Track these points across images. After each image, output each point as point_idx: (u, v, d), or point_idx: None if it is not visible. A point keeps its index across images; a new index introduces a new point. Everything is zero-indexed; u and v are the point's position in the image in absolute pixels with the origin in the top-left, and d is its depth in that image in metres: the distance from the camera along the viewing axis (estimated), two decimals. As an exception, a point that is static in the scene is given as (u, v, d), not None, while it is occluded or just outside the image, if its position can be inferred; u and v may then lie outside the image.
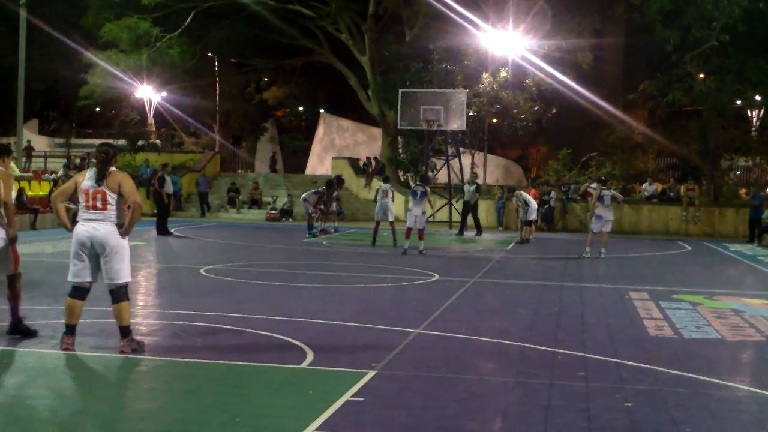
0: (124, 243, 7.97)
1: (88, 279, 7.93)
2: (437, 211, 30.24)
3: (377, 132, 41.03)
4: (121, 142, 37.83)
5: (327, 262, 17.67)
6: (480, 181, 36.13)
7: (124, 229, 7.91)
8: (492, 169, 41.69)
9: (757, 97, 32.08)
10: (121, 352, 7.86)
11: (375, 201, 23.32)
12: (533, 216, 23.64)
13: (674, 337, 9.63)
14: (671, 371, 7.79)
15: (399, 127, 31.21)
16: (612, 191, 20.12)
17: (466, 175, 29.44)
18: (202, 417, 6.07)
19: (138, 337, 8.27)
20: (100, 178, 7.84)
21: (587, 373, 7.64)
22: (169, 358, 7.92)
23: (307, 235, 23.43)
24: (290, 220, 32.10)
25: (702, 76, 31.02)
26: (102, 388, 7.06)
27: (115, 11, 34.30)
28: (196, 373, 7.39)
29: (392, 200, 21.40)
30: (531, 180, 37.46)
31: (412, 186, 19.59)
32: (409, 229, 19.20)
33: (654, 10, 28.94)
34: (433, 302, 11.68)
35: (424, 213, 19.36)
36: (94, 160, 8.32)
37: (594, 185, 30.18)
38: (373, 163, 36.90)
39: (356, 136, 48.83)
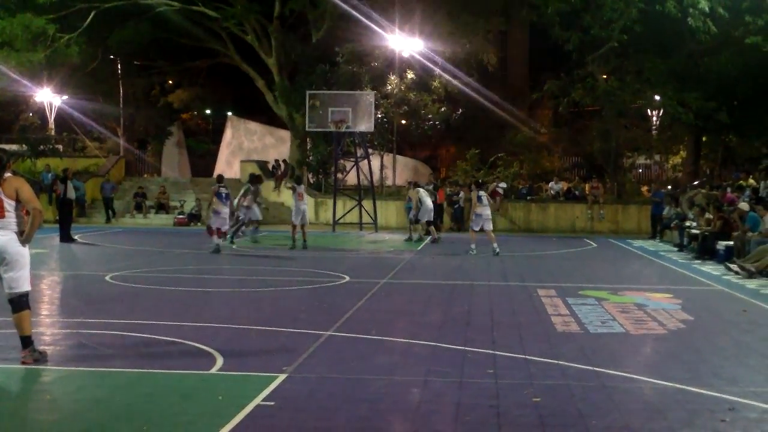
0: (24, 251, 7.76)
1: (-14, 289, 7.69)
2: (348, 212, 30.24)
3: (286, 134, 40.73)
4: (22, 147, 36.66)
5: (237, 266, 17.50)
6: (389, 182, 36.35)
7: (24, 237, 7.70)
8: (401, 170, 41.87)
9: (657, 97, 32.99)
10: (23, 362, 7.63)
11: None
12: (425, 217, 23.55)
13: (580, 332, 9.83)
14: (578, 366, 7.95)
15: (307, 129, 30.99)
16: (485, 192, 21.31)
17: (376, 177, 29.45)
18: (108, 427, 5.94)
19: (41, 347, 8.03)
20: (-6, 185, 7.61)
21: (497, 369, 7.74)
22: (74, 367, 7.73)
23: (233, 243, 22.07)
24: (199, 224, 31.62)
25: (604, 76, 31.78)
26: (2, 400, 6.82)
27: (10, 10, 33.08)
28: (103, 383, 7.21)
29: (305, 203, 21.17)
30: (440, 180, 37.77)
31: (216, 188, 19.82)
32: (218, 230, 19.67)
33: (551, 13, 29.46)
34: (343, 304, 11.67)
35: (226, 214, 19.88)
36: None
37: (503, 184, 30.78)
38: (282, 165, 36.67)
39: (264, 138, 48.42)
